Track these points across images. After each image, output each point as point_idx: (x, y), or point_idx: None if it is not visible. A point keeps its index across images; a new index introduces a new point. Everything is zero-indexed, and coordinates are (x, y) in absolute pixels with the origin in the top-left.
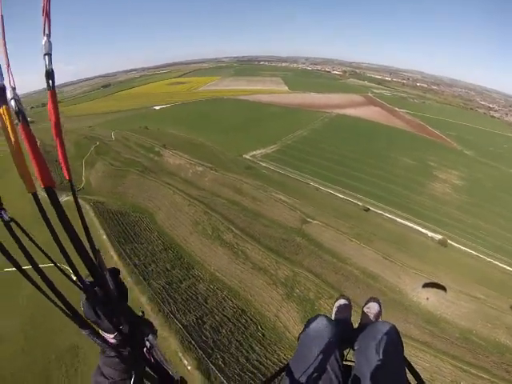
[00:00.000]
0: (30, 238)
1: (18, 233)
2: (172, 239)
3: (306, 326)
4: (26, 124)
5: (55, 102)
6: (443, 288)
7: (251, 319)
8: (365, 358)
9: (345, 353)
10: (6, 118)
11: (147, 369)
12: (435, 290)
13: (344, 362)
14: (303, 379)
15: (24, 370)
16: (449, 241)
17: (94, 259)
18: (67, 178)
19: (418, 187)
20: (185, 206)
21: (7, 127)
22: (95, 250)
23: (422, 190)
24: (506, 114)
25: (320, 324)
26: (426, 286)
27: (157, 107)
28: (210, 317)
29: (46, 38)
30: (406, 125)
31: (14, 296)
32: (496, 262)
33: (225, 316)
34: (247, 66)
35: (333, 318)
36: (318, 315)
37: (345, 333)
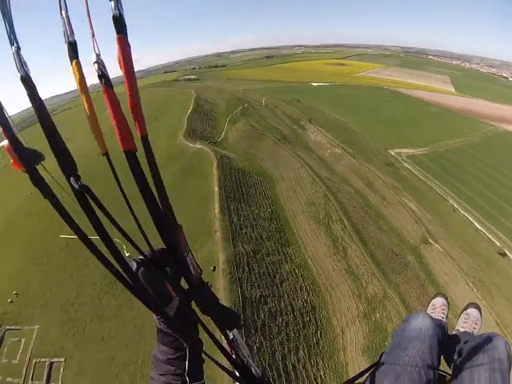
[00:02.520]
0: (103, 209)
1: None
2: (282, 211)
3: (406, 322)
4: (108, 87)
5: (124, 50)
6: None
7: (315, 321)
8: (467, 373)
9: None
10: (76, 73)
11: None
12: None
13: (438, 371)
14: (392, 381)
15: None
16: None
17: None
18: (141, 134)
19: None
20: (307, 183)
21: (77, 83)
22: (176, 225)
23: None
24: None
25: (423, 323)
26: None
27: (314, 84)
28: (276, 300)
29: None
30: None
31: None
32: None
33: (291, 306)
34: (414, 58)
35: None
36: (421, 312)
37: (441, 337)
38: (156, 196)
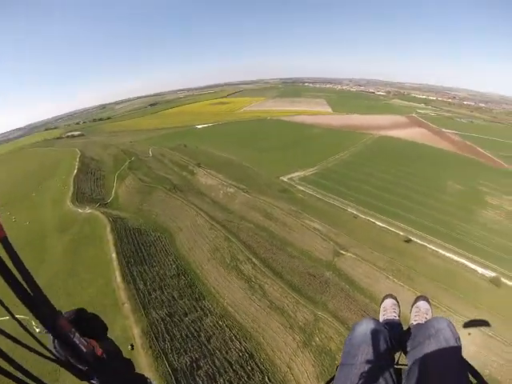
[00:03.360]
0: None
1: None
2: (188, 264)
3: (352, 330)
4: None
5: None
6: (486, 323)
7: (258, 367)
8: (420, 360)
9: (396, 356)
10: None
11: None
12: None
13: (396, 366)
14: None
15: None
16: (503, 279)
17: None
18: None
19: (467, 215)
20: (206, 230)
21: None
22: (54, 312)
23: (472, 219)
24: None
25: (366, 327)
26: (467, 325)
27: (199, 126)
28: (209, 360)
29: None
30: (454, 146)
31: None
32: None
33: (227, 360)
34: (292, 88)
35: (380, 319)
36: (365, 318)
37: (395, 334)
38: (28, 288)
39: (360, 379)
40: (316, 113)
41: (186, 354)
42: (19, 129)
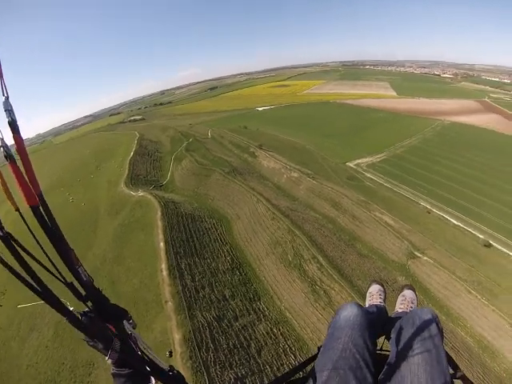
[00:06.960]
0: (30, 254)
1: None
2: (244, 257)
3: (336, 314)
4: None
5: (21, 144)
6: None
7: None
8: (402, 347)
9: (379, 341)
10: None
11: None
12: None
13: (378, 351)
14: (330, 370)
15: (35, 366)
16: None
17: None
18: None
19: None
20: (267, 220)
21: None
22: (69, 248)
23: None
24: None
25: (351, 312)
26: None
27: (259, 108)
28: (257, 378)
29: (4, 98)
30: None
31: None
32: None
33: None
34: (352, 70)
35: (366, 304)
36: (349, 303)
37: (379, 320)
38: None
39: (342, 361)
40: (380, 96)
41: (231, 368)
42: (86, 116)
